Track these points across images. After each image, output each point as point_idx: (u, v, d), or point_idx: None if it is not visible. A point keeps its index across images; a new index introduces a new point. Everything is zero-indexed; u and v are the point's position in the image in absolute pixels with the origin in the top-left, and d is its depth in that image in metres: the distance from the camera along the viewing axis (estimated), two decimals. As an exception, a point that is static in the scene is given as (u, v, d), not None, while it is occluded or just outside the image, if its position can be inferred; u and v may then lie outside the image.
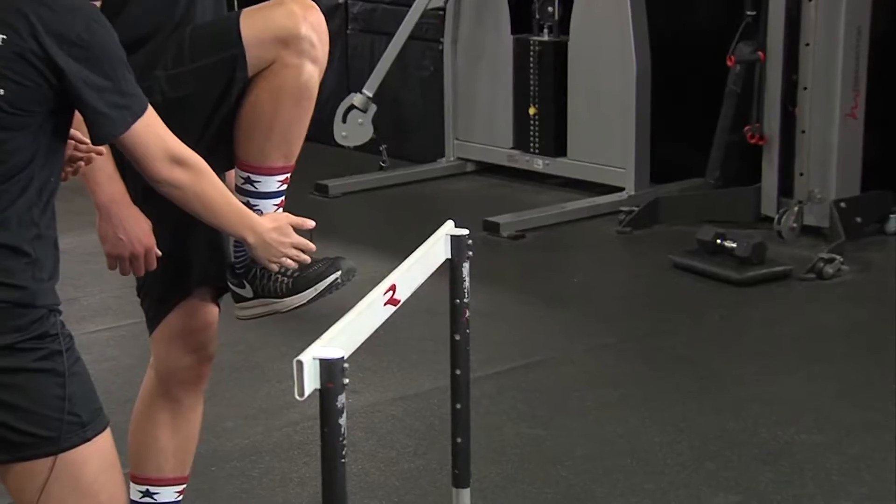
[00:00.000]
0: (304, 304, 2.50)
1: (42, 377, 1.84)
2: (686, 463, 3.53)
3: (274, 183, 2.49)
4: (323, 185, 6.52)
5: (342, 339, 2.18)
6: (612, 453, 3.60)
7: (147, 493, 2.63)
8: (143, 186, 2.41)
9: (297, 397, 2.07)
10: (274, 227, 2.31)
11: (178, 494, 2.66)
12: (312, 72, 2.42)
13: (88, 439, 1.88)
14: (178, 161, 1.97)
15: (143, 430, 2.64)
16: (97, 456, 1.90)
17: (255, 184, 2.48)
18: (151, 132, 1.95)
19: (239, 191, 2.49)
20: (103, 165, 2.34)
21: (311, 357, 2.07)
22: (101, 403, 1.93)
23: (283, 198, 2.53)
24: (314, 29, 2.40)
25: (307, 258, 2.41)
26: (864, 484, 3.37)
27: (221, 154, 2.44)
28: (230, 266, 2.54)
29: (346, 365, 2.10)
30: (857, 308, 4.84)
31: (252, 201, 2.47)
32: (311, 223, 2.41)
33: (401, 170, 6.86)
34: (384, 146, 6.83)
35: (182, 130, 2.32)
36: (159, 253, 2.41)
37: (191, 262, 2.54)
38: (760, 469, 3.47)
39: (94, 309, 4.94)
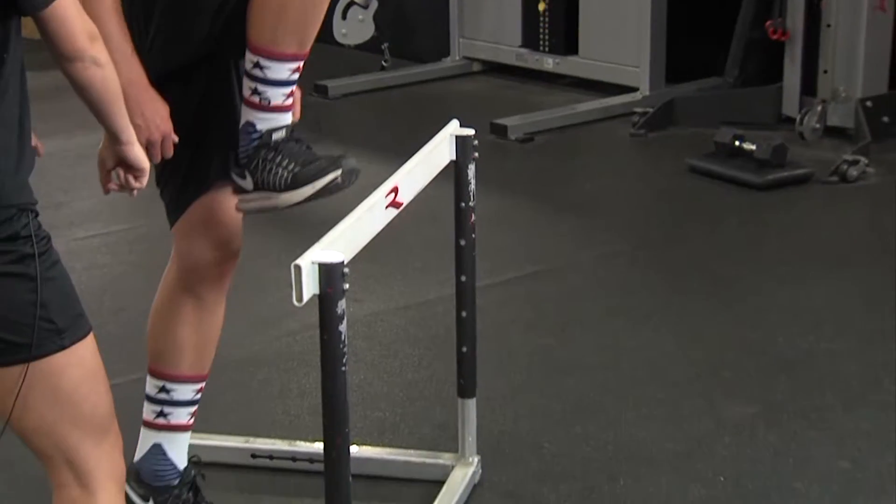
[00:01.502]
0: (301, 202, 2.47)
1: (12, 281, 1.82)
2: (700, 373, 3.55)
3: (285, 70, 2.44)
4: (322, 85, 6.49)
5: (342, 242, 2.19)
6: (624, 363, 3.62)
7: (163, 389, 2.66)
8: (159, 74, 2.42)
9: (296, 303, 2.09)
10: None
11: (195, 393, 2.68)
12: None
13: (65, 347, 1.87)
14: (97, 38, 1.92)
15: (164, 326, 2.65)
16: (77, 364, 1.90)
17: (264, 69, 2.42)
18: (75, 7, 1.89)
19: (247, 76, 2.44)
20: (120, 45, 2.31)
21: (309, 261, 2.08)
22: (82, 310, 1.92)
23: (293, 87, 2.48)
24: None
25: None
26: (885, 392, 3.40)
27: (235, 36, 2.41)
28: (234, 154, 2.52)
29: (346, 269, 2.11)
30: (882, 212, 4.84)
31: (260, 87, 2.43)
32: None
33: (403, 70, 6.83)
34: (386, 45, 6.79)
35: (195, 7, 2.30)
36: (176, 138, 2.40)
37: (211, 152, 2.53)
38: (778, 378, 3.50)
39: (84, 214, 4.95)
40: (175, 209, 2.59)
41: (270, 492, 2.99)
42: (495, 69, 6.84)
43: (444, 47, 6.93)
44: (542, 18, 6.51)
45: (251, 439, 3.11)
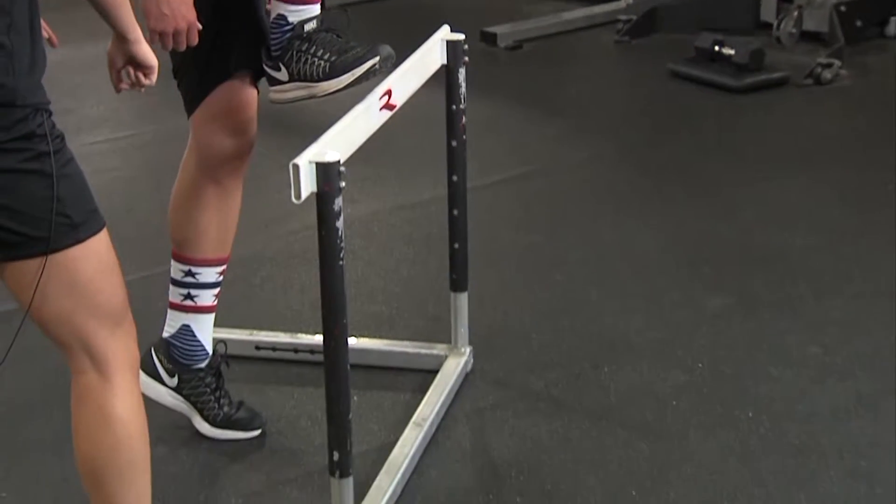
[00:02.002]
0: (341, 89, 2.45)
1: (29, 178, 1.81)
2: (681, 267, 3.56)
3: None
4: None
5: (338, 142, 2.17)
6: (608, 258, 3.63)
7: (189, 273, 2.66)
8: None
9: (294, 200, 2.08)
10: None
11: (218, 275, 2.69)
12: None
13: (81, 240, 1.87)
14: None
15: (186, 213, 2.64)
16: (92, 257, 1.90)
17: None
18: None
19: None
20: None
21: (307, 160, 2.07)
22: (96, 206, 1.92)
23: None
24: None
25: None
26: (855, 283, 3.41)
27: None
28: (266, 48, 2.49)
29: (342, 168, 2.10)
30: (854, 113, 4.82)
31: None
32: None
33: (396, -22, 6.75)
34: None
35: None
36: (200, 27, 2.36)
37: (231, 43, 2.50)
38: (753, 271, 3.50)
39: (93, 120, 4.92)
40: (193, 99, 2.56)
41: (274, 381, 3.00)
42: (485, -21, 6.76)
43: (435, -42, 6.84)
44: (529, -71, 6.42)
45: (255, 332, 3.12)
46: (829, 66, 5.05)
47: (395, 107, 2.48)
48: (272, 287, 3.50)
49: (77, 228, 1.87)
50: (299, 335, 3.10)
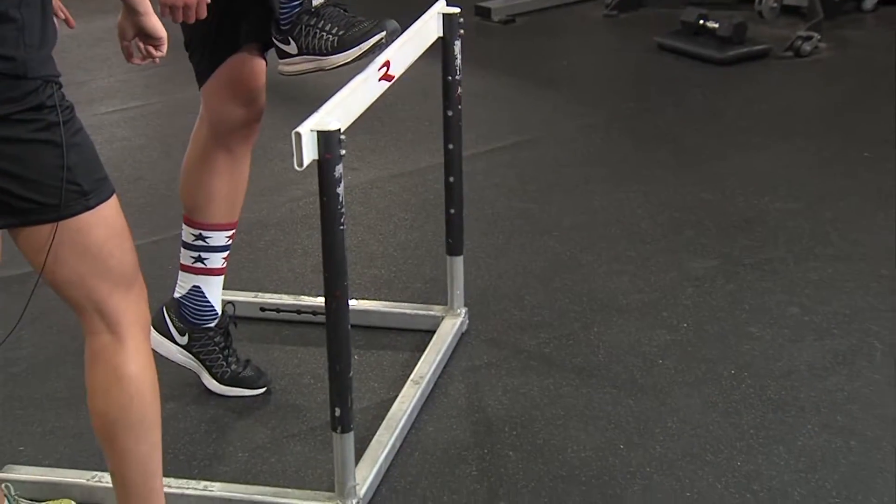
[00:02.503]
0: (349, 63, 2.43)
1: (40, 147, 1.80)
2: (667, 232, 3.55)
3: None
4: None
5: (338, 112, 2.16)
6: (598, 224, 3.62)
7: (200, 237, 2.65)
8: None
9: (297, 167, 2.07)
10: None
11: (228, 239, 2.68)
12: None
13: (91, 207, 1.86)
14: None
15: (198, 179, 2.62)
16: (102, 223, 1.89)
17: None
18: None
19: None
20: None
21: (308, 129, 2.06)
22: (105, 174, 1.90)
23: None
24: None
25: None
26: (832, 246, 3.41)
27: None
28: (275, 21, 2.46)
29: (342, 136, 2.08)
30: (832, 84, 4.81)
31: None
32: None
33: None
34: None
35: None
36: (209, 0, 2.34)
37: (240, 16, 2.48)
38: (736, 235, 3.50)
39: (104, 91, 4.90)
40: (205, 70, 2.54)
41: (278, 341, 3.00)
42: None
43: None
44: None
45: (260, 294, 3.11)
46: (808, 38, 5.03)
47: (393, 77, 2.46)
48: (276, 251, 3.49)
49: (87, 196, 1.86)
50: (302, 297, 3.09)
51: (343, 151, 2.09)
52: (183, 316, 2.71)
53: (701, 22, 5.09)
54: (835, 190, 3.77)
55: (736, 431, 2.58)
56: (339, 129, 2.08)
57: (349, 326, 2.24)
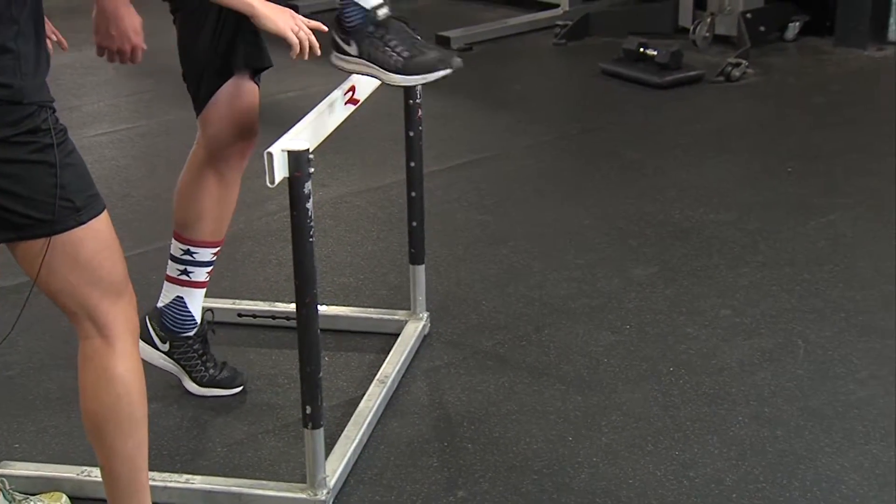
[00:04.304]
0: (407, 87, 2.36)
1: (36, 168, 1.79)
2: (611, 241, 3.56)
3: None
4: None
5: (307, 133, 2.15)
6: (549, 235, 3.62)
7: (188, 252, 2.63)
8: None
9: (269, 185, 2.06)
10: (273, 5, 2.12)
11: (213, 255, 2.66)
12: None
13: (83, 222, 1.85)
14: None
15: (191, 199, 2.59)
16: (93, 237, 1.87)
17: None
18: None
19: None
20: None
21: (279, 149, 2.05)
22: (96, 191, 1.89)
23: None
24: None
25: (314, 45, 2.17)
26: (761, 254, 3.42)
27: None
28: (337, 19, 2.33)
29: (311, 156, 2.07)
30: (759, 106, 4.84)
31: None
32: (323, 27, 2.22)
33: (362, -9, 6.67)
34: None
35: None
36: (145, 47, 2.31)
37: (232, 45, 2.42)
38: (674, 244, 3.51)
39: (94, 115, 4.85)
40: (201, 99, 2.50)
41: (254, 345, 2.97)
42: (440, -10, 6.72)
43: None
44: (478, -54, 6.38)
45: (237, 301, 3.09)
46: (737, 65, 5.06)
47: (358, 101, 2.45)
48: (252, 262, 3.47)
49: (79, 211, 1.84)
50: (276, 304, 3.07)
51: (312, 170, 2.08)
52: (164, 324, 2.69)
53: (641, 50, 5.11)
54: (762, 202, 3.80)
55: (674, 423, 2.59)
56: (308, 150, 2.07)
57: (319, 330, 2.23)
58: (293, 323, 2.29)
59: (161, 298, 2.69)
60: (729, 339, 2.94)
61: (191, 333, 2.69)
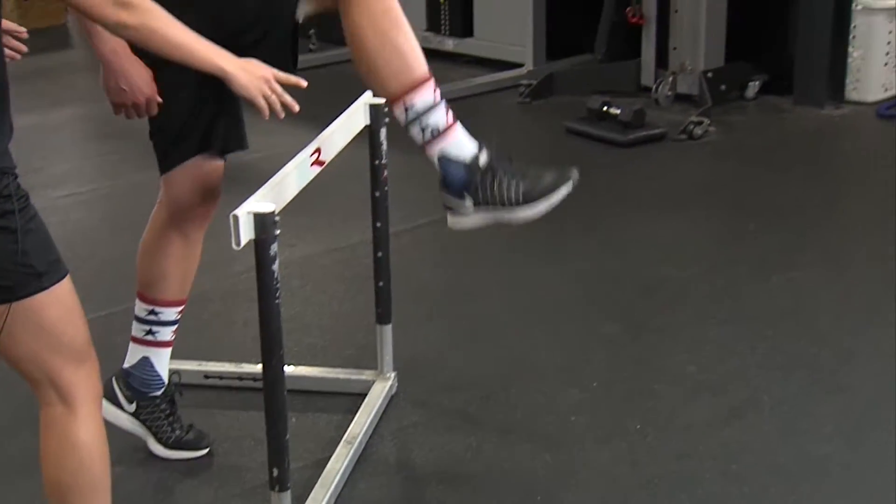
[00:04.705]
0: (534, 216, 2.29)
1: None
2: (578, 298, 3.57)
3: (431, 95, 2.37)
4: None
5: (273, 195, 2.15)
6: (516, 292, 3.63)
7: (152, 312, 2.62)
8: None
9: (235, 247, 2.06)
10: (247, 62, 2.09)
11: (178, 314, 2.65)
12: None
13: (45, 288, 1.83)
14: (120, 3, 1.83)
15: (154, 259, 2.58)
16: (55, 303, 1.86)
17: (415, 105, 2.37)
18: None
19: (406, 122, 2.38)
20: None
21: (245, 211, 2.05)
22: (59, 256, 1.87)
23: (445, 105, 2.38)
24: None
25: (289, 104, 2.13)
26: (725, 310, 3.44)
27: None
28: (443, 183, 2.31)
29: (276, 218, 2.07)
30: (721, 163, 4.89)
31: (423, 120, 2.37)
32: (302, 82, 2.20)
33: (329, 52, 6.72)
34: (313, 31, 6.68)
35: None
36: (159, 100, 2.28)
37: (211, 122, 2.42)
38: (639, 301, 3.52)
39: (58, 177, 4.83)
40: (168, 163, 2.49)
41: (221, 406, 2.95)
42: (405, 50, 6.77)
43: (361, 32, 6.85)
44: (442, 6, 6.46)
45: (203, 363, 3.07)
46: (699, 123, 5.12)
47: (324, 163, 2.46)
48: (219, 322, 3.45)
49: (41, 277, 1.82)
50: (243, 365, 3.05)
51: (277, 232, 2.08)
52: (131, 385, 2.67)
53: (605, 108, 5.17)
54: (725, 258, 3.83)
55: (642, 481, 2.58)
56: (274, 212, 2.07)
57: (285, 392, 2.21)
58: (260, 384, 2.27)
59: (127, 359, 2.68)
60: (695, 396, 2.95)
61: (158, 393, 2.67)
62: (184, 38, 1.94)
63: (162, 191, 2.56)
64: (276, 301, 2.11)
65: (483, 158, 2.33)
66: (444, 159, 2.33)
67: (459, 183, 2.32)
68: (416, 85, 2.33)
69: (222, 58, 2.02)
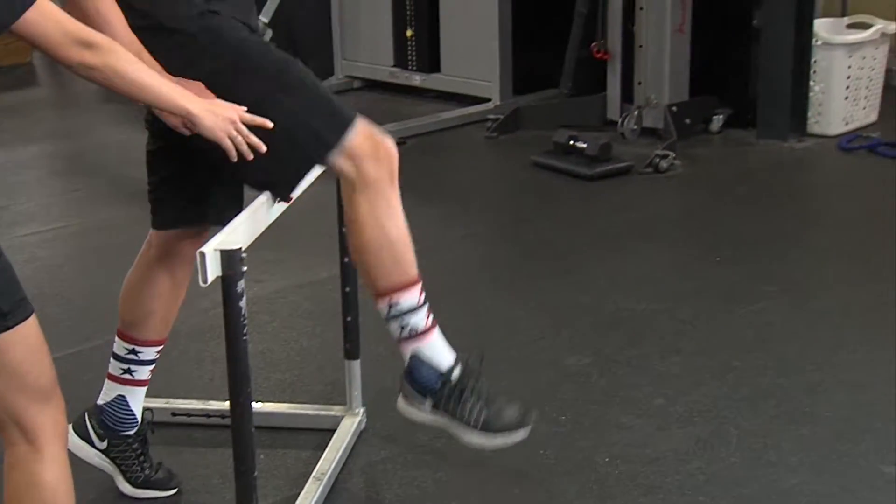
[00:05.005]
0: (486, 447, 2.39)
1: None
2: (545, 331, 3.58)
3: (415, 297, 2.44)
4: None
5: (239, 232, 2.15)
6: (483, 325, 3.63)
7: (132, 352, 2.61)
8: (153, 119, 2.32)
9: (202, 284, 2.05)
10: (213, 103, 2.09)
11: (157, 353, 2.65)
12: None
13: (10, 328, 1.82)
14: (84, 44, 1.84)
15: (139, 298, 2.57)
16: (21, 342, 1.84)
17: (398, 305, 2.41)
18: (48, 19, 1.80)
19: (390, 319, 2.42)
20: (145, 72, 2.02)
21: (212, 249, 2.04)
22: (24, 295, 1.86)
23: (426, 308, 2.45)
24: None
25: (255, 144, 2.10)
26: (692, 342, 3.46)
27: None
28: (409, 375, 2.39)
29: (243, 255, 2.07)
30: (687, 196, 4.93)
31: (404, 320, 2.42)
32: (268, 123, 2.14)
33: (296, 87, 6.75)
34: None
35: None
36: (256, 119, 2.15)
37: (209, 198, 2.45)
38: (607, 334, 3.54)
39: (25, 215, 4.81)
40: (161, 222, 2.52)
41: (189, 444, 2.93)
42: (373, 86, 6.80)
43: (329, 68, 6.87)
44: (409, 43, 6.49)
45: (171, 400, 3.05)
46: (665, 156, 5.17)
47: (291, 200, 2.46)
48: (187, 359, 3.43)
49: (6, 317, 1.81)
50: (211, 402, 3.04)
51: (244, 268, 2.08)
52: (104, 422, 2.65)
53: (571, 142, 5.20)
54: (692, 290, 3.85)
55: (611, 514, 2.59)
56: (241, 249, 2.07)
57: (253, 429, 2.20)
58: (228, 421, 2.26)
59: (102, 396, 2.66)
60: (663, 428, 2.96)
61: (131, 432, 2.66)
62: (149, 80, 1.95)
63: (152, 233, 2.56)
64: (244, 338, 2.10)
65: (456, 373, 2.40)
66: (417, 359, 2.40)
67: (426, 386, 2.39)
68: (405, 286, 2.41)
69: (187, 99, 2.02)
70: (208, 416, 2.99)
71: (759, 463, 2.78)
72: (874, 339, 3.42)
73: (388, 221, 2.38)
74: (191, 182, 2.46)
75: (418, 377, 2.39)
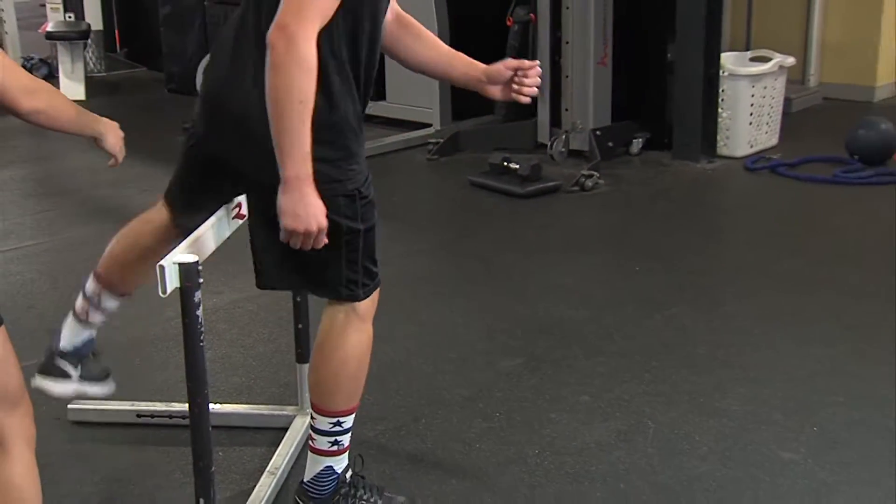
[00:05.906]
0: None
1: None
2: (482, 337, 3.60)
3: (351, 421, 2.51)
4: (188, 127, 6.31)
5: (197, 246, 2.15)
6: (425, 332, 3.64)
7: (99, 294, 2.62)
8: None
9: (161, 295, 2.05)
10: (114, 124, 2.30)
11: (117, 304, 2.67)
12: None
13: None
14: (32, 91, 1.84)
15: (143, 254, 2.51)
16: None
17: (342, 424, 2.48)
18: (8, 73, 1.80)
19: (325, 434, 2.48)
20: (305, 142, 2.02)
21: (170, 262, 2.04)
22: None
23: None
24: None
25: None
26: (615, 344, 3.50)
27: None
28: (305, 491, 2.48)
29: (200, 267, 2.07)
30: (610, 212, 4.99)
31: (339, 438, 2.48)
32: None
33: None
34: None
35: None
36: (326, 240, 2.15)
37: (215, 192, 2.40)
38: (538, 338, 3.56)
39: (0, 234, 4.75)
40: (176, 205, 2.49)
41: (153, 443, 2.91)
42: (324, 112, 6.79)
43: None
44: (358, 73, 6.49)
45: (136, 403, 3.02)
46: (590, 176, 5.22)
47: (244, 216, 2.46)
48: (151, 365, 3.40)
49: None
50: (173, 404, 3.02)
51: (201, 280, 2.07)
52: (72, 355, 2.67)
53: (505, 164, 5.24)
54: (615, 298, 3.90)
55: (541, 502, 2.61)
56: (198, 262, 2.07)
57: (210, 428, 2.19)
58: (189, 421, 2.25)
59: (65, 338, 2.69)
60: (588, 422, 2.99)
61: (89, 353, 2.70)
62: (76, 111, 2.04)
63: (162, 206, 2.52)
64: (201, 344, 2.10)
65: (349, 473, 2.52)
66: (331, 469, 2.47)
67: (323, 494, 2.48)
68: (352, 410, 2.48)
69: (99, 122, 2.21)
70: (171, 416, 2.97)
71: (673, 452, 2.82)
72: (775, 340, 3.49)
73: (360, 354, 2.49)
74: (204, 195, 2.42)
75: (319, 483, 2.47)
